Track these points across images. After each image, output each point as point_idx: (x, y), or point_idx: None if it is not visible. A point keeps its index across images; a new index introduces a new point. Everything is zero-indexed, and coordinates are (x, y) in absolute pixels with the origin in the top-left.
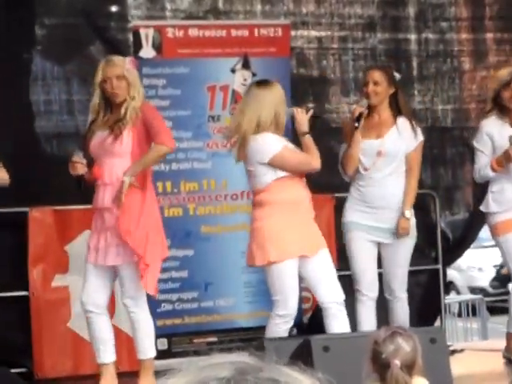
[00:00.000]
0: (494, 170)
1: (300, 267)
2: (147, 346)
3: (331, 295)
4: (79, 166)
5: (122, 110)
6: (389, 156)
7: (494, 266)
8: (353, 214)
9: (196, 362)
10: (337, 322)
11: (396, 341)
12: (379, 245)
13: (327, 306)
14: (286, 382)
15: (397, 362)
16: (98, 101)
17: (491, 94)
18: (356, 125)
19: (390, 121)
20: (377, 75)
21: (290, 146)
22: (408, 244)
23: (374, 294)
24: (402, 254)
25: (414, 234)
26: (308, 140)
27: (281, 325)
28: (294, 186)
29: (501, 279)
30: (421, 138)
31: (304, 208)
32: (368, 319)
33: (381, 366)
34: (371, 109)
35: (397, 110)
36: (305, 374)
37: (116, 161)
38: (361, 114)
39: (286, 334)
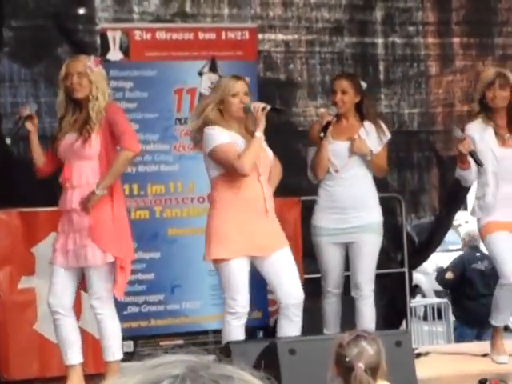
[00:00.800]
0: (461, 168)
1: (258, 267)
2: (114, 347)
3: (287, 296)
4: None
5: (90, 112)
6: (359, 156)
7: None
8: (321, 219)
9: (146, 362)
10: (289, 325)
11: (360, 344)
12: (347, 245)
13: (282, 307)
14: (238, 378)
15: (361, 365)
16: (63, 98)
17: (477, 96)
18: (321, 135)
19: (357, 124)
20: (344, 84)
21: (239, 142)
22: (375, 241)
23: (338, 290)
24: (368, 251)
25: (381, 231)
26: (253, 140)
27: (232, 321)
28: (242, 184)
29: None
30: (388, 136)
31: (254, 207)
32: (333, 315)
33: (345, 369)
34: (338, 115)
35: (362, 117)
36: (247, 371)
37: (84, 163)
38: (328, 123)
39: (240, 331)
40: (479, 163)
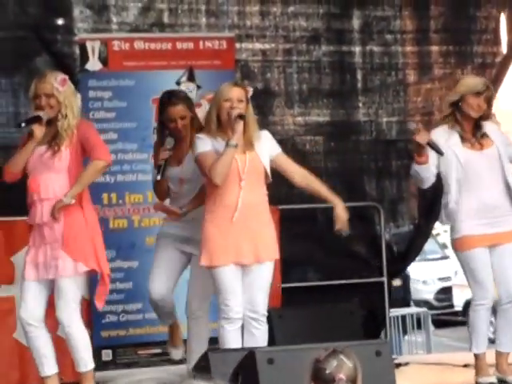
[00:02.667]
0: (419, 163)
1: (242, 275)
2: (86, 358)
3: (250, 308)
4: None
5: (59, 129)
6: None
7: (439, 279)
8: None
9: (120, 379)
10: (250, 337)
11: (338, 357)
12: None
13: (246, 319)
14: None
15: (342, 376)
16: None
17: (454, 98)
18: (158, 178)
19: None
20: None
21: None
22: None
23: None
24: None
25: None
26: (225, 149)
27: (226, 326)
28: (222, 191)
29: (445, 292)
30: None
31: (241, 215)
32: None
33: (325, 382)
34: None
35: None
36: None
37: (53, 176)
38: (162, 165)
39: (235, 336)
40: (439, 151)
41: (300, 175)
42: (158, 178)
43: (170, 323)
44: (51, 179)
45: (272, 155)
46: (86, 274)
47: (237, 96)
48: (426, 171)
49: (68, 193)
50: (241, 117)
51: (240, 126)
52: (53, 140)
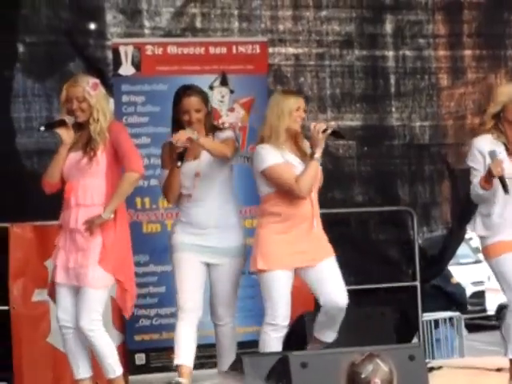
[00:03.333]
0: (483, 187)
1: (302, 277)
2: (113, 364)
3: (330, 301)
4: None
5: (91, 133)
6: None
7: (472, 283)
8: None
9: None
10: (328, 321)
11: (374, 361)
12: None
13: (322, 310)
14: None
15: (377, 381)
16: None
17: (496, 109)
18: (178, 164)
19: None
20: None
21: (291, 161)
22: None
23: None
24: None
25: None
26: (311, 163)
27: (270, 333)
28: (293, 201)
29: (478, 296)
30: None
31: (301, 223)
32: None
33: None
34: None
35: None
36: None
37: (90, 181)
38: (183, 152)
39: (277, 343)
40: (506, 190)
41: None
42: (179, 164)
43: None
44: (89, 185)
45: None
46: (110, 286)
47: (303, 106)
48: (489, 195)
49: (107, 208)
50: (334, 133)
51: (323, 140)
52: (87, 145)
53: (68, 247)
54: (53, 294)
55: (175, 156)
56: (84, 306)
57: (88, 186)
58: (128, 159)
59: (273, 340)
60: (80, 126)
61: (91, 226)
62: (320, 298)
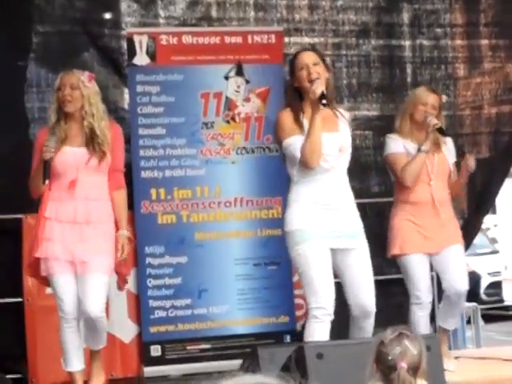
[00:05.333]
0: None
1: (433, 263)
2: (105, 336)
3: (451, 286)
4: (50, 151)
5: (85, 130)
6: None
7: (489, 274)
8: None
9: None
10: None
11: (403, 343)
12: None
13: (445, 295)
14: None
15: (403, 365)
16: (55, 108)
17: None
18: (324, 102)
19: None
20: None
21: (411, 151)
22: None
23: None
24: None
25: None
26: (417, 154)
27: (417, 311)
28: (412, 188)
29: (495, 287)
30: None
31: (423, 210)
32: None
33: (386, 367)
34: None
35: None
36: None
37: (99, 177)
38: (323, 92)
39: (424, 320)
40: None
41: None
42: (324, 102)
43: None
44: (98, 181)
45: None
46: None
47: (432, 102)
48: None
49: (123, 225)
50: (440, 130)
51: (435, 135)
52: (93, 144)
53: (68, 240)
54: (38, 274)
55: (318, 99)
56: (92, 292)
57: (97, 182)
58: (120, 174)
59: (420, 318)
60: (68, 117)
61: (124, 250)
62: (443, 284)
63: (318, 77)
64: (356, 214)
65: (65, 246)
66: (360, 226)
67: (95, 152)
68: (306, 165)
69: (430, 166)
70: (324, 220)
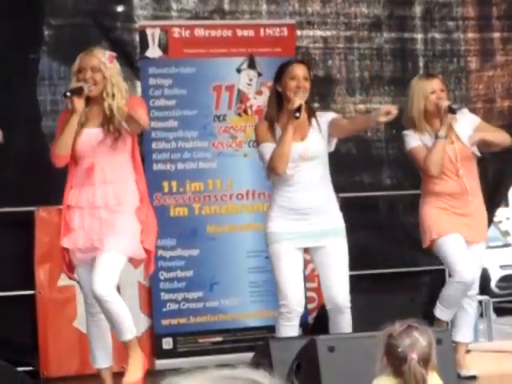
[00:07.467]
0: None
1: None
2: (131, 325)
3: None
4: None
5: (106, 110)
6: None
7: (500, 267)
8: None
9: (209, 371)
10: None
11: (412, 334)
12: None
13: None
14: None
15: (414, 356)
16: None
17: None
18: (297, 115)
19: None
20: (305, 70)
21: (427, 143)
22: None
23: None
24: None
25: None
26: (436, 142)
27: (457, 285)
28: (440, 179)
29: (507, 280)
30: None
31: (454, 200)
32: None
33: (397, 359)
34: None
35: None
36: None
37: (118, 158)
38: (301, 106)
39: (460, 294)
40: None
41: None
42: (298, 115)
43: None
44: (117, 162)
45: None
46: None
47: (439, 87)
48: None
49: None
50: (451, 111)
51: (450, 118)
52: (108, 124)
53: (88, 226)
54: (72, 274)
55: (293, 111)
56: (100, 270)
57: (116, 163)
58: (138, 112)
59: (460, 293)
60: (90, 100)
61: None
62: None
63: (304, 93)
64: (330, 214)
65: (85, 233)
66: (334, 224)
67: (109, 132)
68: (272, 171)
69: (452, 155)
70: (293, 223)
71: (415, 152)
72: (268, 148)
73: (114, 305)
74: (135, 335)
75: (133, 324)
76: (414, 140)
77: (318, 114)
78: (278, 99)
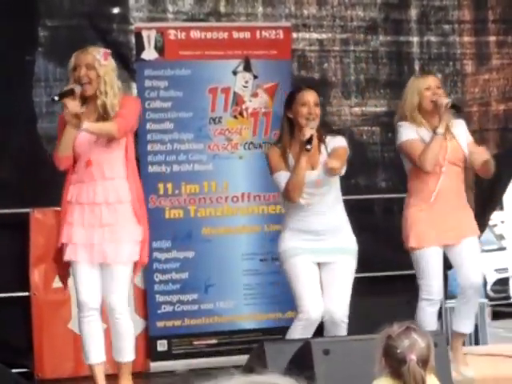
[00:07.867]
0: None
1: (447, 254)
2: (131, 348)
3: (465, 279)
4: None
5: (99, 108)
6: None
7: (495, 270)
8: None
9: (235, 378)
10: (465, 305)
11: (411, 336)
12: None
13: (461, 289)
14: None
15: (413, 357)
16: None
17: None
18: (308, 147)
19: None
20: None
21: (425, 137)
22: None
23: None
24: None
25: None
26: (433, 137)
27: (427, 308)
28: (428, 176)
29: (502, 284)
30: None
31: (439, 198)
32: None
33: (396, 361)
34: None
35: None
36: None
37: (114, 155)
38: (311, 137)
39: (433, 317)
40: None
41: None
42: (309, 147)
43: None
44: (112, 158)
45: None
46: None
47: (434, 83)
48: None
49: (89, 123)
50: (454, 107)
51: (449, 114)
52: (103, 121)
53: (87, 223)
54: (65, 276)
55: (304, 142)
56: (116, 283)
57: (111, 160)
58: (118, 117)
59: (430, 315)
60: (85, 99)
61: (70, 115)
62: (458, 279)
63: (315, 121)
64: (342, 233)
65: (85, 229)
66: (346, 243)
67: None
68: (287, 199)
69: (442, 152)
70: (306, 242)
71: (411, 145)
72: (283, 177)
73: (125, 322)
74: (132, 360)
75: (134, 349)
76: (410, 132)
77: (328, 139)
78: (290, 126)
